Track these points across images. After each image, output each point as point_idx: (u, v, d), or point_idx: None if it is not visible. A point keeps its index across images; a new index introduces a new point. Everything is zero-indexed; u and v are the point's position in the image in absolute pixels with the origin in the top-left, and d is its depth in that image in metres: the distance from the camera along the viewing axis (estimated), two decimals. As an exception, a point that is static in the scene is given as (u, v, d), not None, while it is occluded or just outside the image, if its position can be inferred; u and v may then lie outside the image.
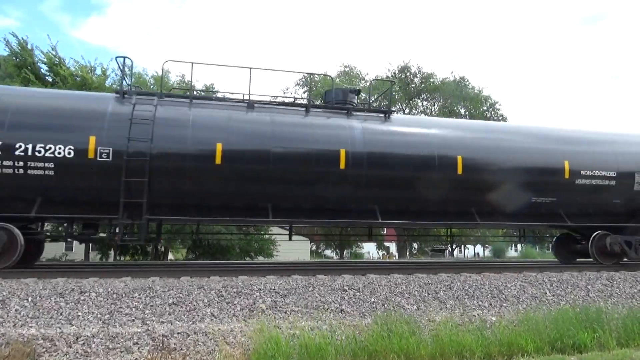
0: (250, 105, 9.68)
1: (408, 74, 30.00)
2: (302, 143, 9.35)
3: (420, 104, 30.53)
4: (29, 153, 8.15)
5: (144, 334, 5.97)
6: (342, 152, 9.37)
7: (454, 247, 36.82)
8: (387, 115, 10.39)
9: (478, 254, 44.29)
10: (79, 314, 6.21)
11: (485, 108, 28.70)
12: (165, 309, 6.53)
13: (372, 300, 7.44)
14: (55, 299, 6.43)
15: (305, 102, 12.65)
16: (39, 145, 8.19)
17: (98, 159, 8.35)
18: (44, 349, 5.61)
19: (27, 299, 6.36)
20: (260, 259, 21.88)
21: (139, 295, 6.72)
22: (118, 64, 10.16)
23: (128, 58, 9.67)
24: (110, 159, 8.39)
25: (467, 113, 28.71)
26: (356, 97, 10.95)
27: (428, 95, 30.08)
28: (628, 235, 10.75)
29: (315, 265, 11.48)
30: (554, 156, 10.63)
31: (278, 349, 5.59)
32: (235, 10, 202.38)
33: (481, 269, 9.61)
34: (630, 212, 11.05)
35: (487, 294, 8.05)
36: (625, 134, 12.15)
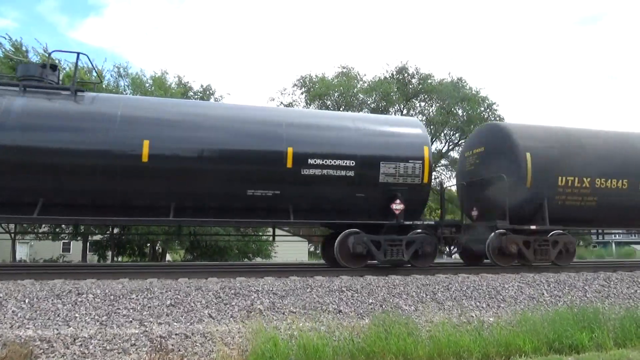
0: None
1: (406, 74, 29.99)
2: None
3: (417, 104, 30.54)
4: None
5: (141, 335, 5.96)
6: None
7: None
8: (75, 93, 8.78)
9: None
10: (77, 315, 6.20)
11: (482, 109, 28.67)
12: (163, 310, 6.53)
13: (370, 301, 7.45)
14: (52, 300, 6.42)
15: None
16: None
17: None
18: (42, 351, 5.59)
19: (24, 301, 6.35)
20: (259, 260, 21.83)
21: (137, 296, 6.72)
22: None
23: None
24: None
25: (464, 114, 28.71)
26: (55, 73, 9.35)
27: (426, 96, 30.05)
28: (383, 234, 9.37)
29: (313, 266, 11.47)
30: (274, 142, 9.03)
31: (276, 350, 5.59)
32: (233, 10, 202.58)
33: (478, 270, 9.61)
34: (381, 209, 9.46)
35: (484, 295, 8.07)
36: (369, 116, 10.27)
